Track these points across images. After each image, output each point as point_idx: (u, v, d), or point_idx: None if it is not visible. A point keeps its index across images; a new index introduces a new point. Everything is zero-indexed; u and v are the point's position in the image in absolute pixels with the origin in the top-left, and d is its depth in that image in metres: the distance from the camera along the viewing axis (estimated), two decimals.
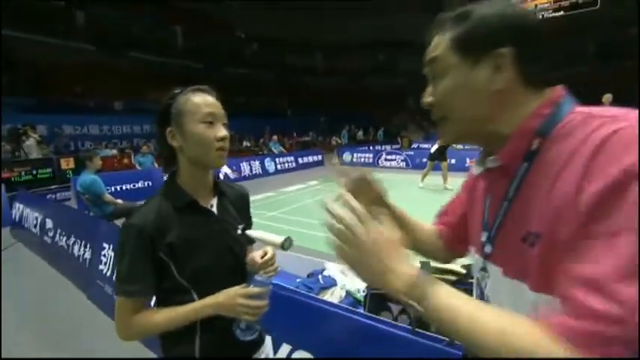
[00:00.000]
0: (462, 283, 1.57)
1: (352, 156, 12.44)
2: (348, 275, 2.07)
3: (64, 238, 3.62)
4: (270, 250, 0.91)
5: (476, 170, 0.61)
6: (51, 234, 3.91)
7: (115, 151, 10.34)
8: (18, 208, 4.94)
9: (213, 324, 0.85)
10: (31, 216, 4.46)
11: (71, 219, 3.75)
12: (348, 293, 1.88)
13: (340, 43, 22.56)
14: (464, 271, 1.62)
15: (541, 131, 0.50)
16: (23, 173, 6.87)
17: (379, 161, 11.76)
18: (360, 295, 1.80)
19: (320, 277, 2.00)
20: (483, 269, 0.61)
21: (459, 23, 0.53)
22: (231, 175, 8.84)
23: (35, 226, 4.31)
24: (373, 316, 1.38)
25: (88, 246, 3.14)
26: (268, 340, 1.55)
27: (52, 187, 7.24)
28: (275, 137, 12.06)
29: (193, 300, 0.85)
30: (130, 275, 0.81)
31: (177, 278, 0.84)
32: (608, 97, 7.47)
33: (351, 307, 1.64)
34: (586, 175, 0.40)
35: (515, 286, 0.52)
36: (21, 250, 4.42)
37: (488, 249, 0.59)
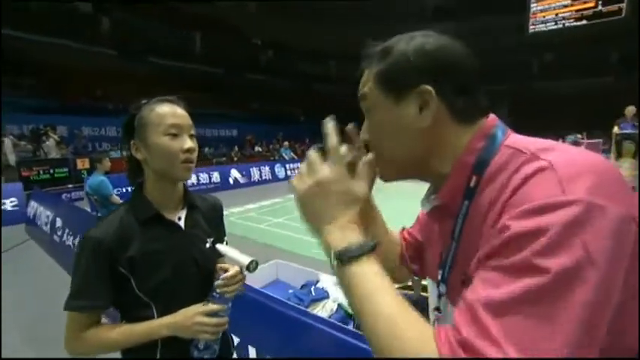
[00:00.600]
0: None
1: None
2: None
3: (72, 238, 3.70)
4: (233, 269, 0.86)
5: (423, 208, 0.59)
6: (60, 233, 4.00)
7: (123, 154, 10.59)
8: (32, 206, 5.09)
9: (174, 342, 0.82)
10: (44, 214, 4.59)
11: (79, 219, 3.84)
12: (339, 307, 1.83)
13: (353, 50, 22.64)
14: None
15: (477, 167, 0.48)
16: (41, 172, 7.10)
17: None
18: (351, 310, 1.75)
19: (312, 288, 1.96)
20: (437, 309, 0.59)
21: (382, 59, 0.52)
22: (241, 180, 8.91)
23: (46, 224, 4.43)
24: (358, 332, 1.33)
25: None
26: (252, 352, 1.52)
27: (69, 186, 7.47)
28: (286, 143, 12.13)
29: (153, 315, 0.82)
30: (80, 289, 0.78)
31: (137, 292, 0.81)
32: (630, 109, 7.19)
33: (339, 323, 1.60)
34: (502, 215, 0.39)
35: None
36: (33, 248, 4.55)
37: (442, 289, 0.57)
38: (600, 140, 9.48)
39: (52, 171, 7.35)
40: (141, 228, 0.83)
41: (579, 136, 9.92)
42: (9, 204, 5.56)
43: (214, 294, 0.83)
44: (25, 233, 5.05)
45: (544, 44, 19.64)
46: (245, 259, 0.85)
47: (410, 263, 0.74)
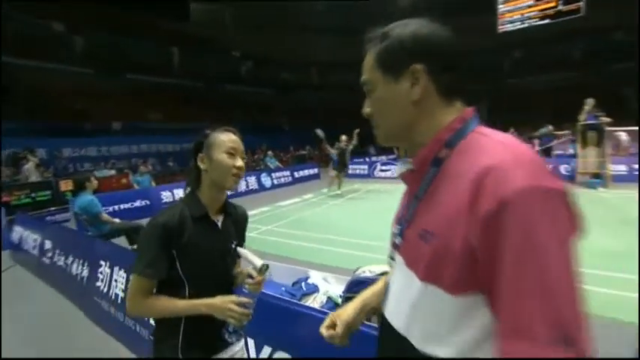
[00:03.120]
0: None
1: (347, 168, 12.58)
2: (331, 282, 2.18)
3: (62, 258, 3.71)
4: (260, 277, 1.08)
5: (397, 171, 0.69)
6: (49, 254, 4.00)
7: (113, 172, 10.49)
8: (17, 232, 5.03)
9: (197, 321, 1.04)
10: (31, 238, 4.56)
11: (70, 239, 3.85)
12: (329, 299, 1.98)
13: (333, 58, 23.05)
14: None
15: (449, 143, 0.59)
16: (23, 196, 6.98)
17: (374, 172, 11.92)
18: (340, 301, 1.91)
19: (303, 284, 2.10)
20: (392, 258, 0.70)
21: (381, 42, 0.62)
22: (228, 191, 8.94)
23: (34, 248, 4.40)
24: None
25: (86, 264, 3.24)
26: (250, 342, 1.65)
27: (52, 209, 7.35)
28: (270, 152, 12.23)
29: (185, 293, 1.04)
30: (150, 261, 1.00)
31: (179, 272, 1.03)
32: (589, 101, 7.68)
33: (329, 311, 1.75)
34: (477, 195, 0.49)
35: (407, 278, 0.61)
36: (19, 272, 4.50)
37: (397, 240, 0.66)
38: (569, 132, 10.05)
39: (33, 195, 7.24)
40: (193, 222, 1.05)
41: (550, 127, 10.72)
42: None
43: (244, 290, 1.04)
44: (10, 259, 4.98)
45: (514, 43, 20.54)
46: (258, 262, 1.07)
47: None
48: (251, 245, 4.85)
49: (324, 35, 22.46)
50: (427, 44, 0.59)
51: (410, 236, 0.62)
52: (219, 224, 1.13)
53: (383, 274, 1.73)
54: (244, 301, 1.01)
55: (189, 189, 1.14)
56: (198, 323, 1.04)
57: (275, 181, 10.80)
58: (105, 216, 4.29)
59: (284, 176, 11.24)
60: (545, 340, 0.42)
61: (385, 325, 0.69)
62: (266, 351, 1.61)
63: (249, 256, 1.09)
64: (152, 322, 1.20)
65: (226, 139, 1.09)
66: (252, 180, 9.98)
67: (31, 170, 7.66)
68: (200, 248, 1.05)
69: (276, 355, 1.58)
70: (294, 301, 1.88)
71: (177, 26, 19.59)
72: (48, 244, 4.11)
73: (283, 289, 2.13)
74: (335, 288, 2.10)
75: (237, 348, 1.20)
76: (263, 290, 1.93)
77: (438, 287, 0.54)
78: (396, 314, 0.66)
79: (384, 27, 0.64)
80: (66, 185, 7.89)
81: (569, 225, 0.47)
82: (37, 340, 2.81)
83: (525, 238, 0.44)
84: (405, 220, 0.65)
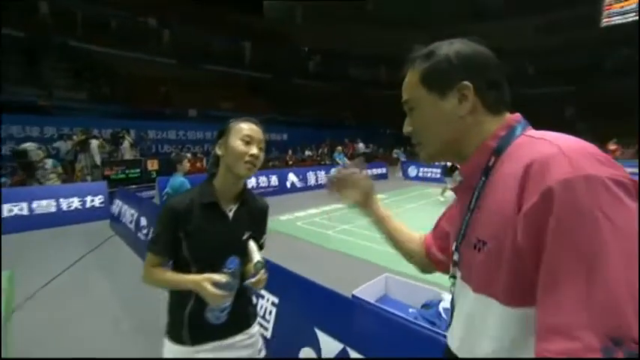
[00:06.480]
0: None
1: (418, 170, 11.89)
2: None
3: None
4: (258, 275, 1.06)
5: (450, 184, 0.69)
6: (145, 231, 4.19)
7: (189, 155, 11.12)
8: (117, 204, 5.43)
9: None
10: (128, 212, 4.86)
11: None
12: None
13: (402, 54, 22.16)
14: None
15: (497, 150, 0.58)
16: (119, 172, 7.65)
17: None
18: None
19: (442, 309, 1.75)
20: (453, 276, 0.68)
21: (426, 61, 0.63)
22: (298, 184, 8.91)
23: (131, 222, 4.67)
24: None
25: None
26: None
27: (140, 185, 7.95)
28: (340, 148, 11.99)
29: (191, 272, 1.08)
30: (157, 239, 1.11)
31: (184, 253, 1.09)
32: None
33: None
34: (522, 191, 0.48)
35: (463, 293, 0.62)
36: (118, 243, 4.82)
37: (456, 256, 0.66)
38: None
39: (127, 171, 7.89)
40: (201, 208, 1.09)
41: None
42: (97, 201, 6.02)
43: (226, 270, 1.00)
44: (110, 229, 5.40)
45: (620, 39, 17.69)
46: (255, 258, 1.07)
47: (439, 252, 0.83)
48: (329, 246, 4.59)
49: (393, 31, 21.53)
50: (473, 63, 0.60)
51: (464, 249, 0.63)
52: (231, 213, 1.15)
53: None
54: (217, 279, 0.99)
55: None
56: (203, 303, 1.03)
57: None
58: None
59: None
60: (589, 345, 0.37)
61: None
62: None
63: (251, 252, 1.10)
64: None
65: (245, 126, 1.10)
66: (321, 175, 9.83)
67: (126, 149, 8.38)
68: (205, 234, 1.09)
69: None
70: (442, 332, 1.54)
71: (249, 20, 20.30)
72: (143, 221, 4.31)
73: (412, 311, 1.80)
74: None
75: (253, 331, 1.22)
76: (395, 312, 1.63)
77: (492, 298, 0.53)
78: (452, 334, 0.67)
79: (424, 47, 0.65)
80: (152, 164, 8.51)
81: (627, 211, 0.41)
82: (132, 307, 2.86)
83: (570, 224, 0.42)
84: (460, 235, 0.64)
